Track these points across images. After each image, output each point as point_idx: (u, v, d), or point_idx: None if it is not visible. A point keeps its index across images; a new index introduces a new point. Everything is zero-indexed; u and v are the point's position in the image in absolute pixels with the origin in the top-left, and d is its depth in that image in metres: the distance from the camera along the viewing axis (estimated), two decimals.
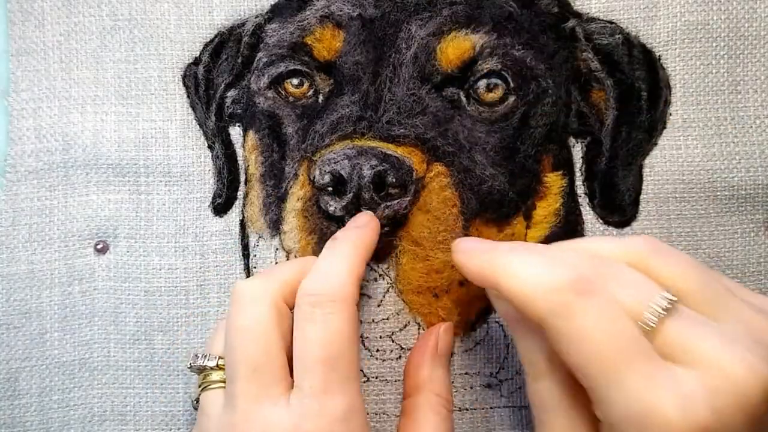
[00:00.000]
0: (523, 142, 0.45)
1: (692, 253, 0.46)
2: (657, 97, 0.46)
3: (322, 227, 0.43)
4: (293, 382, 0.38)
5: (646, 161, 0.46)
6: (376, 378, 0.46)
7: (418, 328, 0.45)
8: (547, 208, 0.46)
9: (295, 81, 0.46)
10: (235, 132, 0.47)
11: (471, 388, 0.46)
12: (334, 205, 0.43)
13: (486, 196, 0.44)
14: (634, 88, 0.46)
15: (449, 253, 0.44)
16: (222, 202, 0.47)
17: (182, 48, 0.47)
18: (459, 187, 0.44)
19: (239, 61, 0.47)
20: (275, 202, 0.45)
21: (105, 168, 0.47)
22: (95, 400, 0.46)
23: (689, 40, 0.46)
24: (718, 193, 0.46)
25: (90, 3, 0.47)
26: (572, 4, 0.46)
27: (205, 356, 0.41)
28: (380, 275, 0.45)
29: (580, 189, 0.47)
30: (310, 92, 0.46)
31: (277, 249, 0.45)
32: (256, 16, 0.47)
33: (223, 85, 0.47)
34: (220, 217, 0.47)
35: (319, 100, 0.46)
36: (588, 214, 0.46)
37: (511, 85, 0.45)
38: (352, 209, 0.43)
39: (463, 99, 0.45)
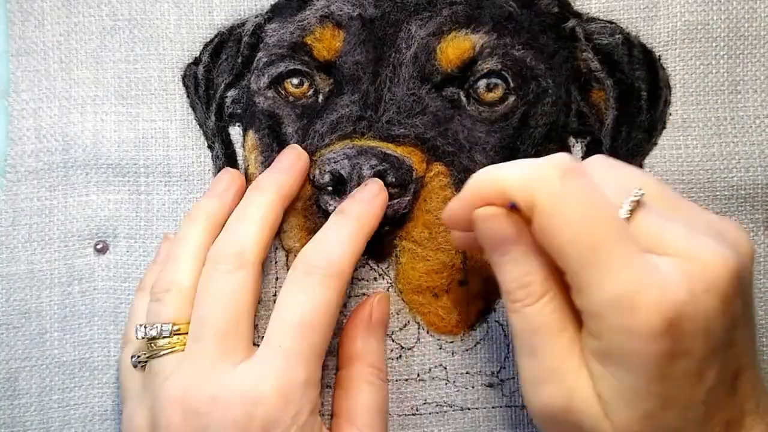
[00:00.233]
0: (523, 142, 0.45)
1: None
2: (657, 97, 0.46)
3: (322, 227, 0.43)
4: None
5: (646, 161, 0.46)
6: None
7: (418, 328, 0.46)
8: None
9: (295, 81, 0.46)
10: (235, 132, 0.47)
11: (472, 387, 0.46)
12: (333, 205, 0.43)
13: None
14: (634, 88, 0.46)
15: (449, 253, 0.44)
16: None
17: (182, 48, 0.47)
18: (459, 186, 0.44)
19: (239, 61, 0.47)
20: None
21: (105, 168, 0.47)
22: (95, 400, 0.46)
23: (689, 40, 0.46)
24: (718, 193, 0.46)
25: (90, 3, 0.47)
26: (572, 4, 0.46)
27: (155, 325, 0.41)
28: (380, 275, 0.45)
29: None
30: (310, 92, 0.46)
31: (276, 248, 0.45)
32: (256, 16, 0.47)
33: (223, 85, 0.47)
34: None
35: (319, 100, 0.46)
36: None
37: (511, 85, 0.45)
38: None
39: (463, 99, 0.45)
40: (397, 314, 0.45)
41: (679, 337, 0.31)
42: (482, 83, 0.45)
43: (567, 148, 0.46)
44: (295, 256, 0.44)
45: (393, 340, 0.46)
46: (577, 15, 0.46)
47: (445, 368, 0.46)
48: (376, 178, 0.43)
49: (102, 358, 0.46)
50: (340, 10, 0.45)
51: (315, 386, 0.40)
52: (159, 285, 0.42)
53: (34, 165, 0.46)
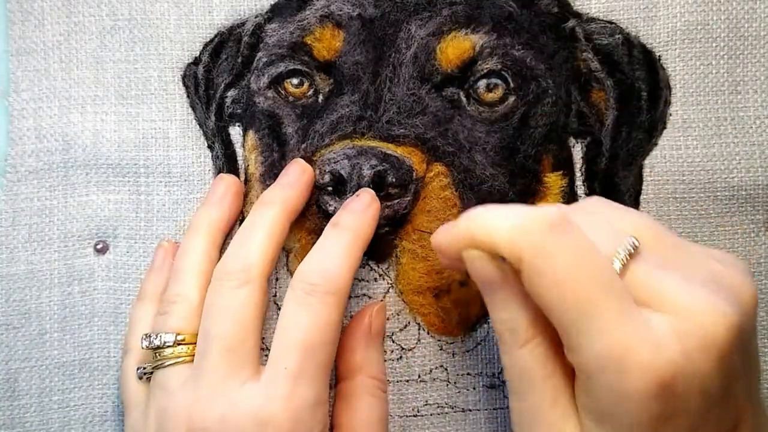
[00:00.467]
0: (523, 142, 0.45)
1: None
2: (657, 97, 0.46)
3: (322, 227, 0.43)
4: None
5: (646, 161, 0.46)
6: None
7: (418, 329, 0.45)
8: None
9: (295, 81, 0.46)
10: (235, 132, 0.47)
11: (473, 388, 0.46)
12: (333, 205, 0.43)
13: (486, 196, 0.44)
14: (634, 88, 0.46)
15: None
16: None
17: (182, 48, 0.47)
18: (459, 187, 0.44)
19: (239, 60, 0.47)
20: None
21: (105, 168, 0.47)
22: (95, 401, 0.46)
23: (689, 40, 0.46)
24: (718, 194, 0.46)
25: (90, 3, 0.47)
26: (572, 4, 0.46)
27: (159, 334, 0.41)
28: (380, 275, 0.45)
29: (580, 189, 0.47)
30: (310, 92, 0.46)
31: None
32: (256, 16, 0.47)
33: (223, 85, 0.47)
34: None
35: (319, 100, 0.46)
36: None
37: (511, 85, 0.45)
38: None
39: (463, 99, 0.45)
40: (398, 315, 0.45)
41: (673, 398, 0.30)
42: (482, 83, 0.45)
43: (567, 149, 0.46)
44: (295, 256, 0.44)
45: (393, 341, 0.45)
46: (577, 15, 0.46)
47: (446, 369, 0.46)
48: (368, 189, 0.42)
49: (102, 359, 0.46)
50: (340, 10, 0.45)
51: (324, 405, 0.39)
52: (165, 298, 0.42)
53: (34, 165, 0.47)
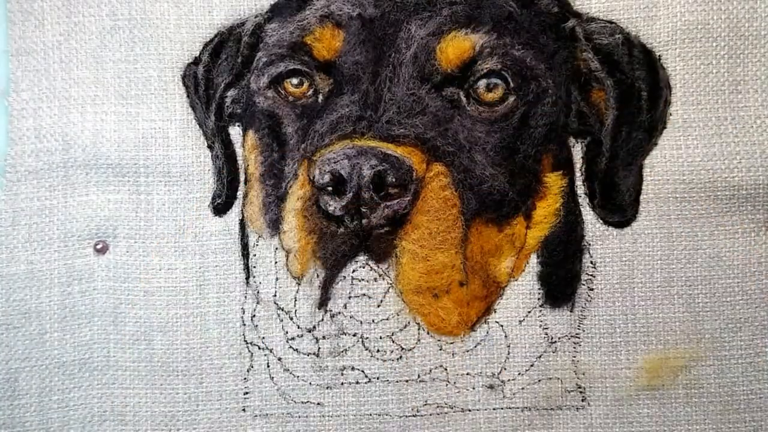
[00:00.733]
0: (523, 142, 0.45)
1: (692, 253, 0.46)
2: (657, 97, 0.46)
3: (322, 227, 0.43)
4: None
5: (646, 161, 0.46)
6: (378, 379, 0.46)
7: (418, 329, 0.45)
8: (547, 208, 0.46)
9: (295, 81, 0.46)
10: (235, 132, 0.47)
11: (473, 388, 0.46)
12: (333, 205, 0.43)
13: (486, 196, 0.44)
14: (634, 88, 0.46)
15: (449, 253, 0.44)
16: (221, 202, 0.47)
17: (182, 48, 0.47)
18: (459, 187, 0.44)
19: (239, 60, 0.47)
20: (275, 201, 0.45)
21: (105, 168, 0.47)
22: (95, 401, 0.46)
23: (689, 40, 0.46)
24: (719, 193, 0.46)
25: (90, 3, 0.47)
26: (572, 4, 0.46)
27: None
28: (380, 275, 0.45)
29: (580, 189, 0.47)
30: (310, 92, 0.46)
31: (276, 248, 0.45)
32: (256, 16, 0.47)
33: (222, 85, 0.47)
34: (220, 217, 0.47)
35: (319, 100, 0.46)
36: (588, 214, 0.46)
37: (511, 85, 0.45)
38: (352, 209, 0.43)
39: (463, 99, 0.45)
40: (398, 315, 0.45)
41: None
42: (482, 83, 0.45)
43: (567, 148, 0.46)
44: (295, 256, 0.44)
45: (393, 341, 0.45)
46: (577, 15, 0.46)
47: (446, 369, 0.46)
48: None
49: (102, 359, 0.46)
50: (340, 10, 0.45)
51: None
52: None
53: (34, 165, 0.47)
